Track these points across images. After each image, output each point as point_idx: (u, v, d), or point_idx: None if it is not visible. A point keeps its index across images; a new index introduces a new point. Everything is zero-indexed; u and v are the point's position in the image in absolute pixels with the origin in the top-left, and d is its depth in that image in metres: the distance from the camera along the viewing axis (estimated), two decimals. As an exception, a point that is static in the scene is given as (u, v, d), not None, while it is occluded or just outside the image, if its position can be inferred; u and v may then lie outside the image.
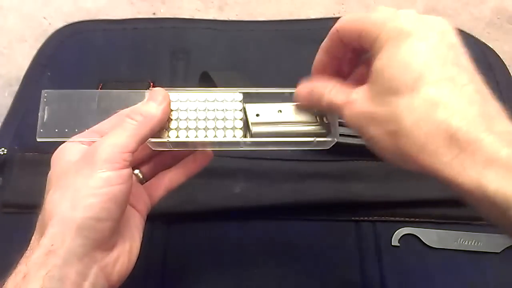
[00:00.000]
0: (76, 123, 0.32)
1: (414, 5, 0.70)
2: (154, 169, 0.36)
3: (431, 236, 0.45)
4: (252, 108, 0.33)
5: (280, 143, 0.32)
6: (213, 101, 0.33)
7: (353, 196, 0.47)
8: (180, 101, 0.32)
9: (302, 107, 0.33)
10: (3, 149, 0.50)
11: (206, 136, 0.32)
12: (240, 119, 0.32)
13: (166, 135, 0.32)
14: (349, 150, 0.49)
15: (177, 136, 0.32)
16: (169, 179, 0.36)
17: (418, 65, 0.25)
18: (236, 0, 0.72)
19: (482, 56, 0.58)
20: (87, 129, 0.32)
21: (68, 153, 0.31)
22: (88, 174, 0.28)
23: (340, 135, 0.33)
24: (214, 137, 0.32)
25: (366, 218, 0.46)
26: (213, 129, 0.32)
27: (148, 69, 0.57)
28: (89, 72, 0.57)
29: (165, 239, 0.46)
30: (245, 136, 0.32)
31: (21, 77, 0.57)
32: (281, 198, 0.46)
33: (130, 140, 0.29)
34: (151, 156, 0.36)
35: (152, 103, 0.31)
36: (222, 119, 0.32)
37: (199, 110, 0.32)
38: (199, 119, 0.32)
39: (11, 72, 0.65)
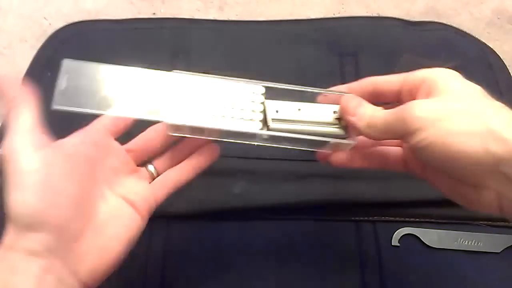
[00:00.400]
0: (94, 96, 0.33)
1: (414, 5, 0.70)
2: (164, 166, 0.36)
3: (431, 236, 0.45)
4: (272, 104, 0.33)
5: (295, 140, 0.32)
6: (235, 90, 0.32)
7: (353, 196, 0.47)
8: (202, 87, 0.32)
9: (323, 102, 0.34)
10: (3, 149, 0.50)
11: (222, 125, 0.31)
12: (260, 112, 0.32)
13: (184, 119, 0.31)
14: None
15: (193, 120, 0.31)
16: (175, 176, 0.35)
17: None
18: (236, 0, 0.72)
19: (482, 56, 0.58)
20: (105, 105, 0.32)
21: None
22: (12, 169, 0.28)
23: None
24: (230, 126, 0.31)
25: (366, 218, 0.46)
26: (232, 117, 0.31)
27: (148, 69, 0.57)
28: (89, 72, 0.57)
29: (165, 239, 0.46)
30: (262, 128, 0.32)
31: (21, 77, 0.57)
32: (281, 198, 0.46)
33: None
34: (162, 152, 0.36)
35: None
36: (241, 110, 0.32)
37: (220, 97, 0.32)
38: (218, 107, 0.32)
39: (11, 72, 0.65)
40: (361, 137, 0.32)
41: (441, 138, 0.27)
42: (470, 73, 0.43)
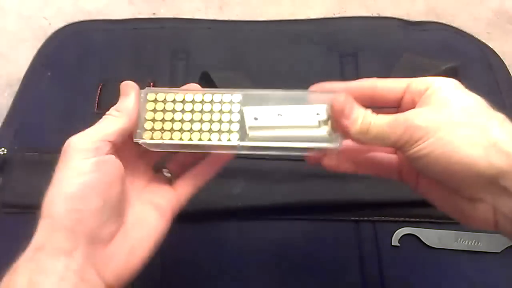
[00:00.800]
0: (175, 126, 0.31)
1: (414, 5, 0.70)
2: (181, 168, 0.36)
3: (431, 236, 0.45)
4: (250, 111, 0.31)
5: (278, 148, 0.31)
6: (210, 102, 0.32)
7: (353, 196, 0.47)
8: (176, 102, 0.32)
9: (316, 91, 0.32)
10: (3, 149, 0.50)
11: (200, 139, 0.31)
12: (237, 122, 0.31)
13: (160, 136, 0.31)
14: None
15: (171, 138, 0.31)
16: (195, 177, 0.35)
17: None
18: (236, 0, 0.72)
19: (482, 56, 0.58)
20: (185, 132, 0.31)
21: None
22: (62, 166, 0.29)
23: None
24: (209, 140, 0.31)
25: (366, 218, 0.46)
26: (208, 131, 0.31)
27: (148, 69, 0.57)
28: (89, 72, 0.57)
29: (164, 239, 0.46)
30: (242, 140, 0.31)
31: (21, 77, 0.57)
32: (281, 198, 0.46)
33: (102, 130, 0.30)
34: (174, 155, 0.36)
35: (123, 97, 0.32)
36: (218, 121, 0.31)
37: (195, 111, 0.31)
38: (194, 121, 0.31)
39: (11, 72, 0.65)
40: (349, 141, 0.31)
41: (443, 148, 0.26)
42: (470, 73, 0.44)
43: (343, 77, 0.56)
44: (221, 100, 0.32)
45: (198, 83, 0.53)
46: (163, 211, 0.33)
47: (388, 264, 0.44)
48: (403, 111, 0.29)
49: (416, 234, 0.46)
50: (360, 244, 0.46)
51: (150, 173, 0.35)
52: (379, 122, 0.29)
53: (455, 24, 0.62)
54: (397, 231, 0.46)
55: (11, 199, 0.47)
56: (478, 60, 0.57)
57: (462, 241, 0.45)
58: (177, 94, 0.32)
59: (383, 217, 0.46)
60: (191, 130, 0.31)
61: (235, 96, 0.32)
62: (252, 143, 0.31)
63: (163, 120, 0.31)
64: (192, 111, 0.31)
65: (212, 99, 0.32)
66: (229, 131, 0.31)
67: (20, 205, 0.47)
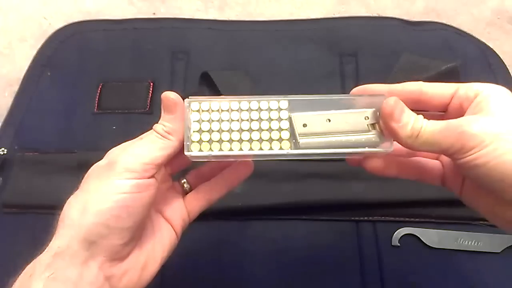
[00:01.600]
0: (223, 136, 0.30)
1: (414, 5, 0.70)
2: (197, 180, 0.35)
3: (431, 236, 0.45)
4: (299, 118, 0.30)
5: (330, 154, 0.30)
6: (257, 109, 0.30)
7: (353, 196, 0.47)
8: (222, 111, 0.30)
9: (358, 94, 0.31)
10: (3, 149, 0.50)
11: (251, 148, 0.29)
12: (287, 129, 0.30)
13: (209, 148, 0.30)
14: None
15: (220, 149, 0.29)
16: (209, 191, 0.34)
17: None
18: (236, 0, 0.72)
19: (482, 56, 0.58)
20: (234, 142, 0.30)
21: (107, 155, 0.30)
22: (104, 179, 0.28)
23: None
24: (260, 149, 0.29)
25: (366, 218, 0.46)
26: (258, 140, 0.30)
27: (148, 69, 0.57)
28: (89, 72, 0.57)
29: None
30: (294, 148, 0.30)
31: (21, 77, 0.57)
32: (281, 198, 0.46)
33: (153, 153, 0.29)
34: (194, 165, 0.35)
35: (171, 117, 0.30)
36: (267, 130, 0.30)
37: (243, 120, 0.30)
38: (242, 130, 0.30)
39: (11, 72, 0.65)
40: (395, 145, 0.30)
41: (499, 159, 0.26)
42: (470, 73, 0.44)
43: (343, 77, 0.56)
44: (268, 107, 0.31)
45: (198, 83, 0.54)
46: (175, 225, 0.33)
47: (388, 264, 0.44)
48: (450, 117, 0.28)
49: (416, 234, 0.45)
50: (360, 244, 0.46)
51: (168, 183, 0.35)
52: (431, 128, 0.28)
53: (455, 24, 0.62)
54: (397, 231, 0.46)
55: (11, 199, 0.47)
56: (478, 60, 0.57)
57: (462, 241, 0.45)
58: (221, 102, 0.30)
59: (383, 217, 0.46)
60: (240, 140, 0.30)
61: (282, 102, 0.31)
62: (304, 151, 0.30)
63: (210, 131, 0.30)
64: (239, 120, 0.30)
65: (259, 107, 0.31)
66: (280, 139, 0.30)
67: (20, 205, 0.47)
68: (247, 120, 0.30)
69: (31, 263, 0.28)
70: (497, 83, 0.39)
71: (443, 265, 0.44)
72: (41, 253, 0.28)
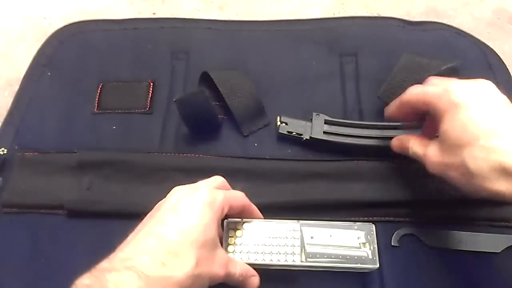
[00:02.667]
0: (250, 249, 0.41)
1: (414, 5, 0.70)
2: None
3: (431, 236, 0.45)
4: (308, 231, 0.41)
5: (329, 267, 0.40)
6: (276, 230, 0.41)
7: (353, 196, 0.47)
8: (250, 229, 0.41)
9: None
10: (3, 149, 0.50)
11: (271, 260, 0.40)
12: (298, 246, 0.40)
13: (240, 257, 0.40)
14: (349, 150, 0.49)
15: (248, 259, 0.40)
16: None
17: (472, 127, 0.36)
18: (236, 0, 0.72)
19: (482, 56, 0.58)
20: (258, 254, 0.41)
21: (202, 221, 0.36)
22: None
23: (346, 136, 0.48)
24: (278, 261, 0.40)
25: (366, 218, 0.46)
26: (276, 254, 0.40)
27: (148, 69, 0.57)
28: (89, 72, 0.57)
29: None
30: (302, 260, 0.40)
31: (21, 77, 0.57)
32: (281, 198, 0.46)
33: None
34: None
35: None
36: (284, 246, 0.41)
37: (265, 237, 0.41)
38: (265, 245, 0.41)
39: (11, 72, 0.65)
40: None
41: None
42: (470, 73, 0.43)
43: (343, 76, 0.56)
44: (285, 228, 0.41)
45: (198, 83, 0.54)
46: None
47: (388, 264, 0.44)
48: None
49: (416, 234, 0.45)
50: (360, 244, 0.46)
51: None
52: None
53: (455, 24, 0.62)
54: (397, 231, 0.46)
55: (11, 199, 0.47)
56: (478, 60, 0.57)
57: (462, 241, 0.45)
58: (250, 223, 0.41)
59: (383, 217, 0.46)
60: (263, 253, 0.40)
61: (295, 225, 0.41)
62: (310, 263, 0.40)
63: (241, 244, 0.41)
64: (263, 237, 0.41)
65: (277, 228, 0.41)
66: (293, 254, 0.40)
67: (20, 205, 0.47)
68: (269, 237, 0.41)
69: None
70: (497, 83, 0.39)
71: (443, 265, 0.44)
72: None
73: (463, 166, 0.36)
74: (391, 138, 0.46)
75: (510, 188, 0.33)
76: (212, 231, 0.35)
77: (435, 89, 0.39)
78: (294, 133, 0.50)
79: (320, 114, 0.50)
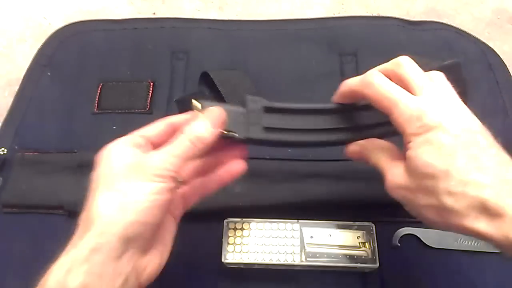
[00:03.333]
0: (251, 248, 0.42)
1: (414, 5, 0.70)
2: (191, 175, 0.37)
3: (431, 236, 0.45)
4: (308, 231, 0.41)
5: (328, 267, 0.40)
6: (276, 230, 0.41)
7: (353, 196, 0.46)
8: (250, 229, 0.42)
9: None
10: (3, 149, 0.50)
11: (271, 260, 0.40)
12: (298, 246, 0.41)
13: (240, 257, 0.40)
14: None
15: (248, 259, 0.40)
16: (203, 187, 0.37)
17: (448, 155, 0.30)
18: (236, 0, 0.72)
19: (482, 56, 0.58)
20: (258, 254, 0.41)
21: (117, 155, 0.32)
22: (140, 182, 0.30)
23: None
24: (277, 260, 0.41)
25: (366, 218, 0.46)
26: (276, 253, 0.41)
27: (148, 69, 0.57)
28: (89, 72, 0.57)
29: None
30: (301, 260, 0.40)
31: (21, 77, 0.57)
32: (281, 198, 0.46)
33: (180, 161, 0.32)
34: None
35: (206, 124, 0.33)
36: (283, 245, 0.41)
37: (265, 237, 0.41)
38: (265, 245, 0.41)
39: (11, 72, 0.65)
40: None
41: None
42: (470, 73, 0.44)
43: (343, 76, 0.56)
44: (285, 228, 0.42)
45: (198, 83, 0.54)
46: (176, 217, 0.36)
47: (388, 264, 0.44)
48: None
49: (416, 234, 0.45)
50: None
51: None
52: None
53: (455, 23, 0.62)
54: (397, 231, 0.46)
55: (11, 199, 0.47)
56: (478, 60, 0.57)
57: (462, 241, 0.45)
58: (250, 223, 0.42)
59: (383, 217, 0.46)
60: (263, 253, 0.41)
61: (294, 225, 0.42)
62: (309, 262, 0.40)
63: (241, 244, 0.41)
64: (263, 237, 0.41)
65: (277, 227, 0.42)
66: (292, 253, 0.40)
67: (20, 205, 0.47)
68: (269, 237, 0.41)
69: (63, 259, 0.29)
70: (497, 83, 0.39)
71: (443, 265, 0.44)
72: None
73: (434, 197, 0.30)
74: (361, 128, 0.38)
75: (490, 228, 0.28)
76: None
77: (406, 110, 0.32)
78: (223, 131, 0.35)
79: (257, 98, 0.37)
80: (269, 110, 0.36)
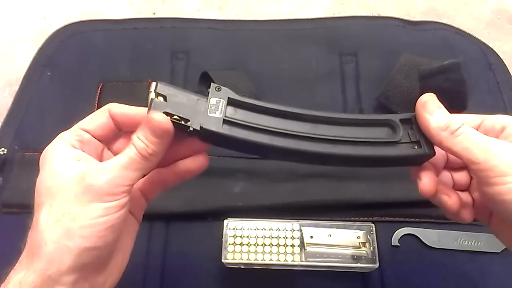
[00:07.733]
0: (251, 248, 0.42)
1: (414, 5, 0.70)
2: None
3: (431, 236, 0.45)
4: (308, 231, 0.41)
5: (329, 266, 0.41)
6: (276, 230, 0.42)
7: (353, 196, 0.47)
8: (250, 229, 0.42)
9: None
10: (3, 149, 0.50)
11: (271, 260, 0.40)
12: (298, 246, 0.41)
13: (240, 257, 0.40)
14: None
15: (248, 259, 0.40)
16: (162, 180, 0.33)
17: None
18: (236, 0, 0.72)
19: (482, 56, 0.58)
20: (259, 253, 0.41)
21: (60, 161, 0.30)
22: (85, 204, 0.27)
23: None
24: (277, 260, 0.40)
25: (366, 218, 0.46)
26: (276, 253, 0.41)
27: (148, 69, 0.57)
28: (89, 72, 0.57)
29: (165, 239, 0.46)
30: (301, 260, 0.40)
31: (21, 77, 0.57)
32: (281, 198, 0.46)
33: (135, 175, 0.29)
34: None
35: (154, 140, 0.29)
36: (283, 245, 0.41)
37: (265, 237, 0.41)
38: (265, 245, 0.41)
39: (11, 72, 0.65)
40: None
41: None
42: (470, 73, 0.44)
43: (343, 76, 0.56)
44: (285, 228, 0.42)
45: (198, 83, 0.54)
46: (137, 215, 0.33)
47: (388, 264, 0.44)
48: None
49: (416, 234, 0.45)
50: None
51: None
52: (469, 130, 0.29)
53: (455, 23, 0.62)
54: (397, 231, 0.46)
55: (11, 199, 0.47)
56: (478, 60, 0.57)
57: (462, 241, 0.45)
58: (250, 223, 0.42)
59: (383, 217, 0.46)
60: (263, 253, 0.41)
61: (295, 225, 0.42)
62: (309, 262, 0.40)
63: (241, 244, 0.41)
64: (263, 237, 0.41)
65: (277, 227, 0.42)
66: (292, 253, 0.41)
67: (20, 205, 0.47)
68: (269, 237, 0.41)
69: (11, 280, 0.28)
70: (497, 83, 0.39)
71: (443, 265, 0.44)
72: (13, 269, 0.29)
73: None
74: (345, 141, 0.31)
75: None
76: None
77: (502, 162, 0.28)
78: (175, 117, 0.29)
79: (223, 88, 0.32)
80: (234, 103, 0.31)
